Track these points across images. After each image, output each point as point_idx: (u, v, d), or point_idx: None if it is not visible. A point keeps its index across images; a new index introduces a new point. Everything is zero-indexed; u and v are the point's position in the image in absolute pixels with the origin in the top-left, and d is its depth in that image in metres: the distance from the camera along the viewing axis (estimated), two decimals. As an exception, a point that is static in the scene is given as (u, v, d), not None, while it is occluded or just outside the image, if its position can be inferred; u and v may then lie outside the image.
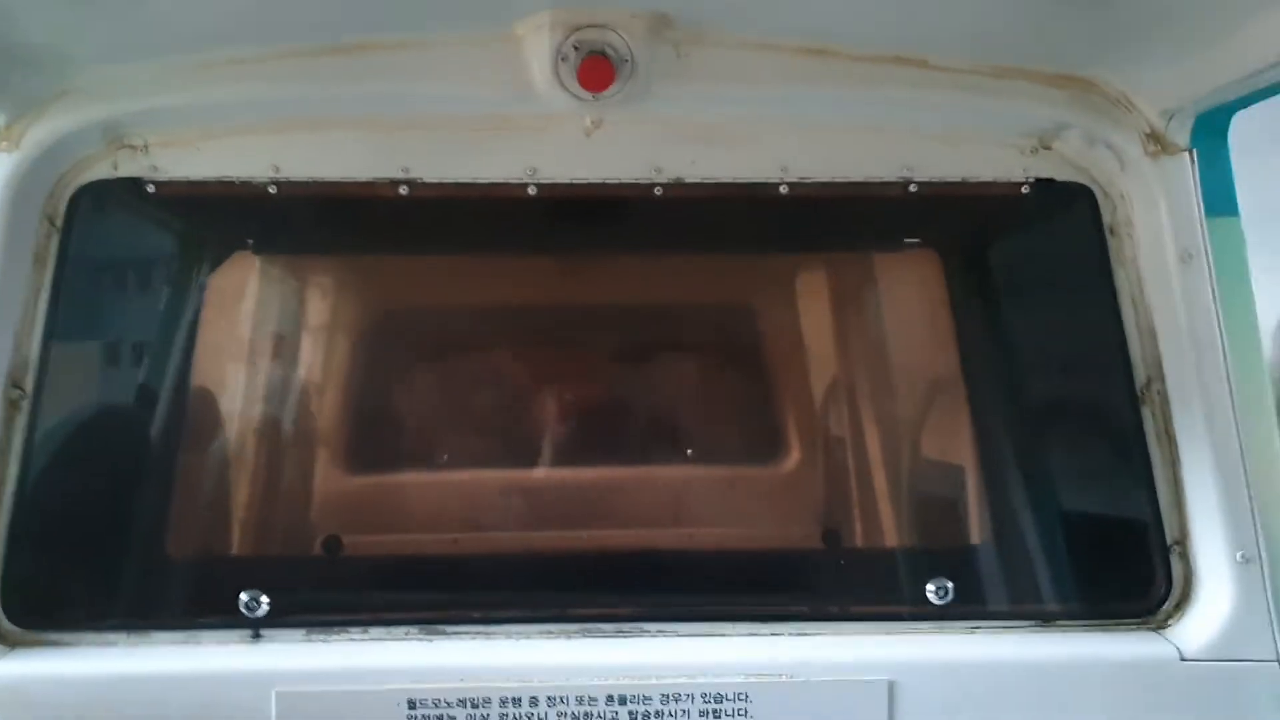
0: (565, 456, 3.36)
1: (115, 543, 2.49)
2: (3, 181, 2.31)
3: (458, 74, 2.38)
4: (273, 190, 2.44)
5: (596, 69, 2.28)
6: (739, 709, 2.25)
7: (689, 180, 2.47)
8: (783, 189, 2.48)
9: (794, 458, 3.47)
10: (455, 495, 3.27)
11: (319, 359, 3.35)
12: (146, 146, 2.43)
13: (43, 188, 2.38)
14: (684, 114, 2.45)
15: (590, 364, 3.47)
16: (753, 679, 2.27)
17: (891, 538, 2.96)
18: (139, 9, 2.13)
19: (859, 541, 3.15)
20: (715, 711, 2.25)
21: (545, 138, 2.46)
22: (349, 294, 3.38)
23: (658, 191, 2.47)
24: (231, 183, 2.44)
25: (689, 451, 3.33)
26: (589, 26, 2.27)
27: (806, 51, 2.36)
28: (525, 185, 2.46)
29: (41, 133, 2.33)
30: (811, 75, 2.40)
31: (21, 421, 2.37)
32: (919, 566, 2.63)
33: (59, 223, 2.40)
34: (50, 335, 2.40)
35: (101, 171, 2.42)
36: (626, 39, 2.28)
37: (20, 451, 2.36)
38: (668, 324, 3.42)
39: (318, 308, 3.29)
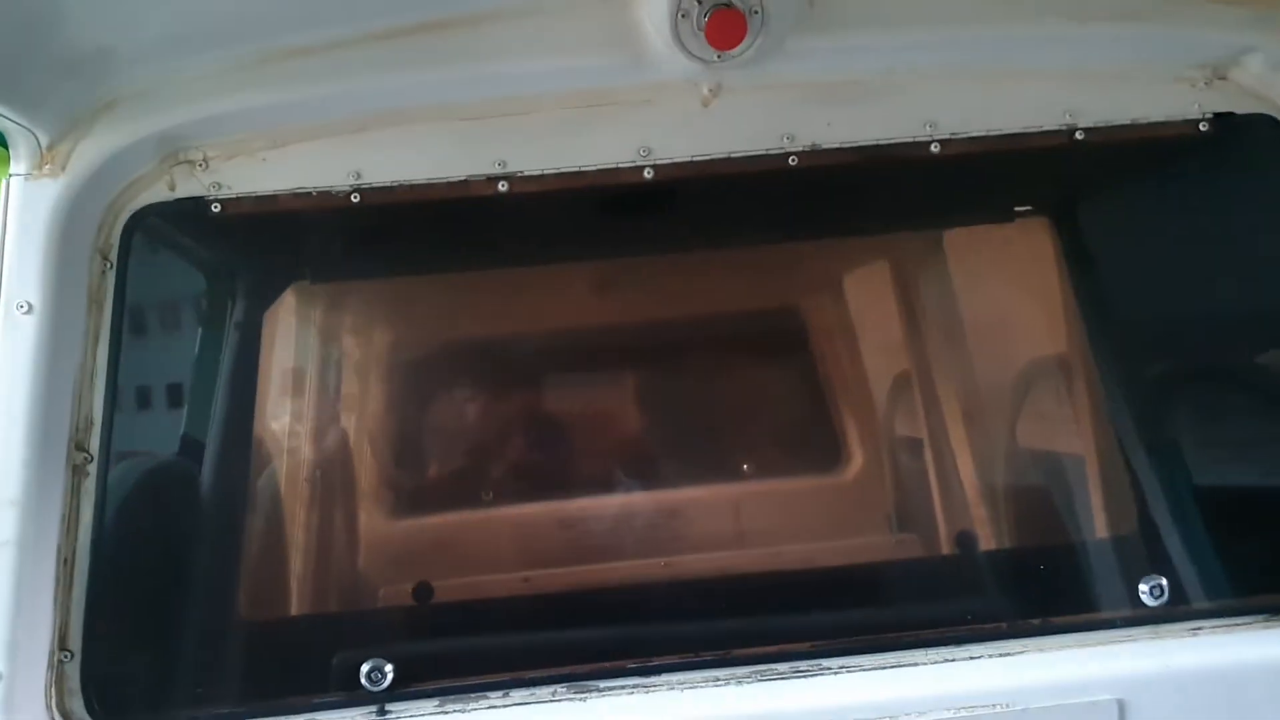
0: (695, 473, 3.04)
1: (205, 618, 2.18)
2: (48, 213, 1.98)
3: (554, 46, 2.08)
4: (355, 199, 2.12)
5: (727, 22, 1.97)
6: None
7: (826, 146, 2.16)
8: (934, 148, 2.16)
9: (923, 455, 3.13)
10: (563, 527, 2.94)
11: (406, 387, 3.00)
12: (206, 161, 2.11)
13: (92, 217, 2.06)
14: (817, 71, 2.14)
15: (721, 368, 3.13)
16: (965, 712, 1.94)
17: (1081, 533, 2.63)
18: None
19: (1025, 542, 2.83)
20: (934, 755, 1.93)
21: (658, 112, 2.16)
22: (443, 316, 3.01)
23: (792, 161, 2.16)
24: (308, 194, 2.13)
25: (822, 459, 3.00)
26: (714, -24, 1.96)
27: None
28: (640, 168, 2.15)
29: (88, 153, 2.01)
30: (958, 13, 2.09)
31: (90, 487, 2.05)
32: (1123, 562, 2.31)
33: (113, 256, 2.08)
34: (114, 387, 2.08)
35: (157, 193, 2.11)
36: None
37: (92, 523, 2.04)
38: (813, 314, 3.08)
39: (407, 332, 2.94)
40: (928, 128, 2.16)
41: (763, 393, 3.16)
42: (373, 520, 2.92)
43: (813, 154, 2.15)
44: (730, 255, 2.74)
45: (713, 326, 3.07)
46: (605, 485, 2.98)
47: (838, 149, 2.16)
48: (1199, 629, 2.13)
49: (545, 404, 3.08)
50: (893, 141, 2.16)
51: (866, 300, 3.17)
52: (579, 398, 3.12)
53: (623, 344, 3.10)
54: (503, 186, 2.13)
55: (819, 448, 3.23)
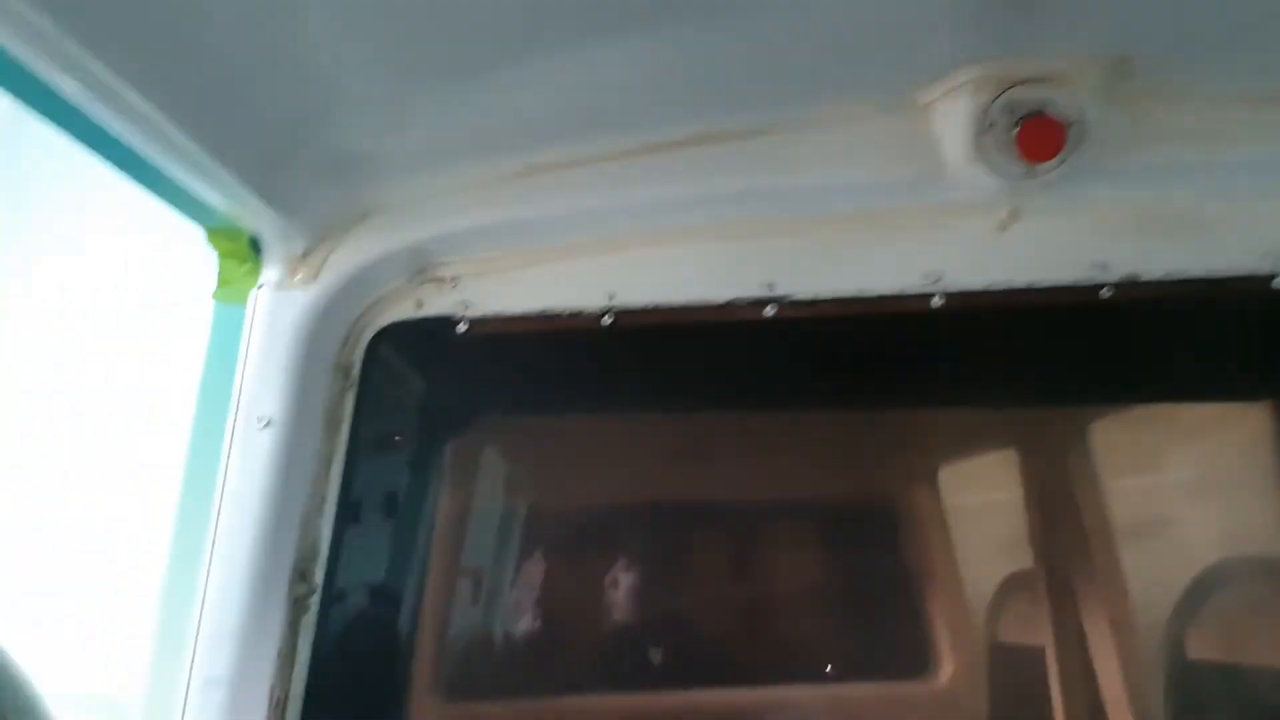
0: None
1: None
2: (296, 324, 1.87)
3: (837, 161, 1.88)
4: (607, 321, 1.94)
5: (1041, 132, 1.74)
6: None
7: (1146, 279, 1.87)
8: (1278, 283, 1.85)
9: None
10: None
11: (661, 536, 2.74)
12: (456, 278, 1.99)
13: (337, 332, 1.94)
14: (1138, 191, 1.88)
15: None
16: None
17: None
18: (466, 101, 1.70)
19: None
20: None
21: (950, 234, 1.92)
22: (700, 455, 2.75)
23: (1105, 294, 1.87)
24: (558, 315, 1.96)
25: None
26: (1026, 82, 1.74)
27: None
28: (928, 296, 1.90)
29: (340, 264, 1.91)
30: None
31: (309, 622, 1.87)
32: None
33: (354, 374, 1.95)
34: (344, 513, 1.91)
35: (404, 310, 1.98)
36: (1075, 95, 1.74)
37: (309, 661, 1.85)
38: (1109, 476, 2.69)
39: (661, 466, 2.70)
40: (1270, 261, 1.85)
41: None
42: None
43: (1130, 286, 1.87)
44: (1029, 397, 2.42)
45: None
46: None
47: (1161, 282, 1.86)
48: None
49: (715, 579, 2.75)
50: (1227, 275, 1.86)
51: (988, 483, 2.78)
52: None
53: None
54: (770, 310, 1.92)
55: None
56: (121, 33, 1.26)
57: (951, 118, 1.78)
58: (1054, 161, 1.77)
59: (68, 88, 1.28)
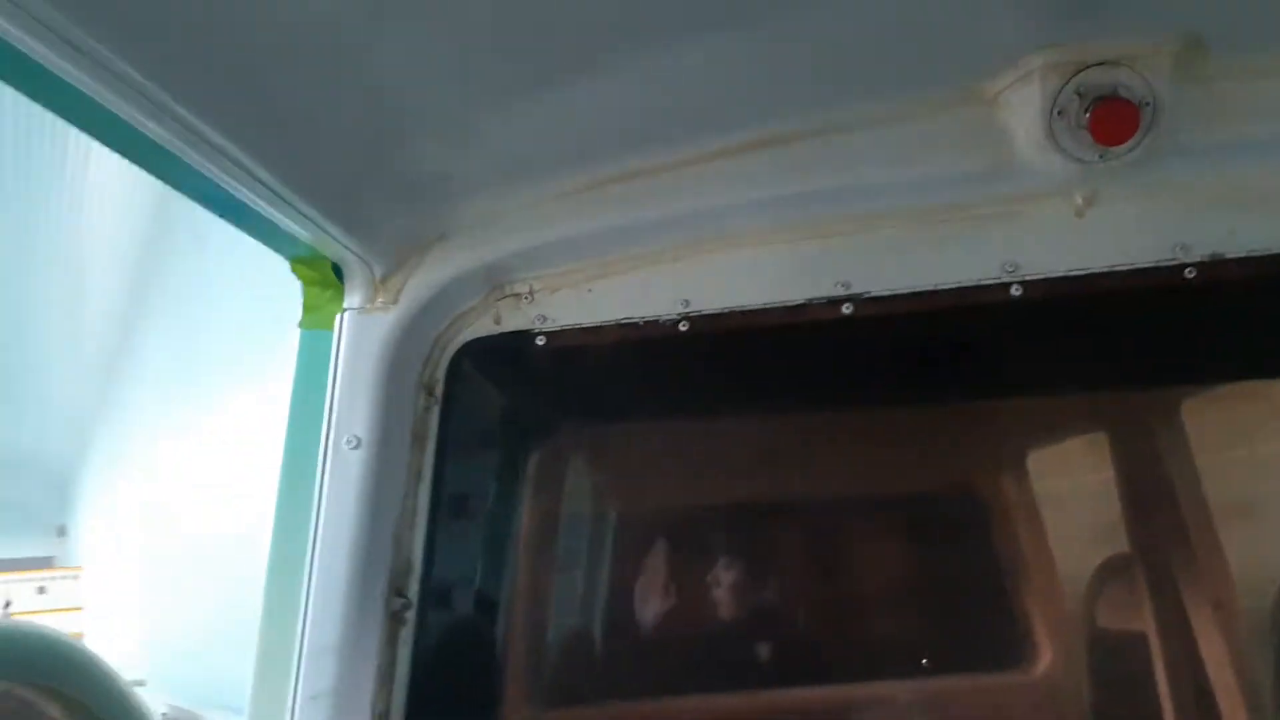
0: None
1: None
2: (379, 347, 1.92)
3: (907, 157, 1.87)
4: (683, 328, 1.96)
5: (1114, 115, 1.71)
6: None
7: (1231, 256, 1.83)
8: None
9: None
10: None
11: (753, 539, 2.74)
12: (532, 293, 2.02)
13: (419, 351, 1.98)
14: (1216, 169, 1.83)
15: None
16: None
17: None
18: (535, 117, 1.73)
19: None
20: None
21: (1024, 222, 1.90)
22: (784, 454, 2.75)
23: (1189, 274, 1.84)
24: (634, 324, 1.98)
25: None
26: (1096, 65, 1.72)
27: None
28: (1006, 285, 1.88)
29: (420, 286, 1.95)
30: None
31: (407, 636, 1.92)
32: None
33: (439, 392, 1.99)
34: (434, 528, 1.96)
35: (483, 327, 2.02)
36: (1147, 76, 1.71)
37: (408, 675, 1.90)
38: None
39: (745, 467, 2.70)
40: None
41: None
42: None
43: (1215, 265, 1.83)
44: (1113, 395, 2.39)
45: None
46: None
47: (1248, 259, 1.82)
48: None
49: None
50: None
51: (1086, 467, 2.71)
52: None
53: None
54: (847, 309, 1.92)
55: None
56: (206, 80, 1.32)
57: (1021, 106, 1.76)
58: (1129, 144, 1.74)
59: (160, 135, 1.33)
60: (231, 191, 1.56)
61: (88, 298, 13.14)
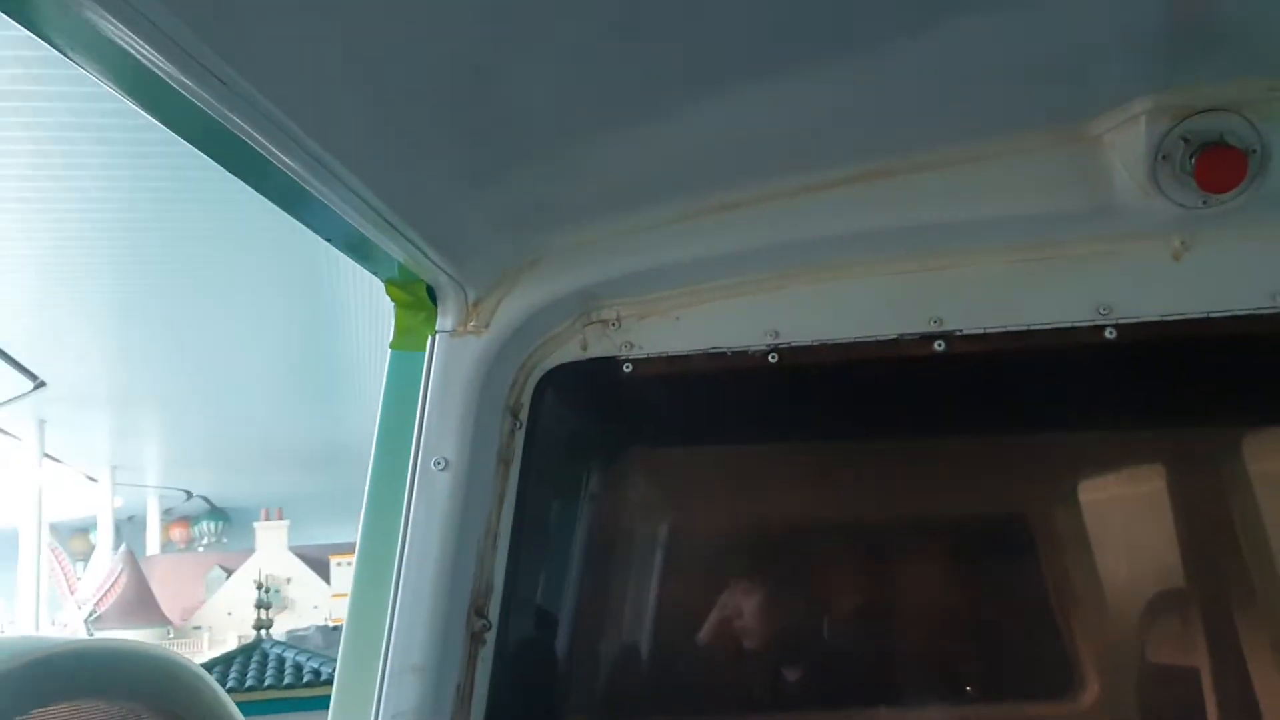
0: None
1: None
2: (469, 370, 1.93)
3: (1006, 193, 1.86)
4: (773, 359, 1.96)
5: (1222, 162, 1.70)
6: None
7: None
8: None
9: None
10: None
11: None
12: (620, 319, 2.02)
13: (506, 375, 2.00)
14: None
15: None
16: None
17: None
18: (635, 148, 1.74)
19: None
20: None
21: (1120, 264, 1.89)
22: (861, 483, 2.74)
23: None
24: (722, 354, 1.99)
25: None
26: (1205, 111, 1.70)
27: None
28: (1100, 328, 1.87)
29: (511, 310, 1.96)
30: None
31: (487, 656, 1.92)
32: None
33: (523, 416, 2.00)
34: (516, 551, 1.97)
35: (570, 353, 2.03)
36: (1255, 123, 1.70)
37: (487, 695, 1.90)
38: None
39: (822, 494, 2.69)
40: None
41: None
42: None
43: None
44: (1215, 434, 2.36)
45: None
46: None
47: None
48: None
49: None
50: None
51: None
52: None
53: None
54: (939, 345, 1.92)
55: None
56: (336, 114, 1.33)
57: (1125, 149, 1.75)
58: (1235, 191, 1.73)
59: (288, 165, 1.35)
60: (340, 214, 1.57)
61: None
